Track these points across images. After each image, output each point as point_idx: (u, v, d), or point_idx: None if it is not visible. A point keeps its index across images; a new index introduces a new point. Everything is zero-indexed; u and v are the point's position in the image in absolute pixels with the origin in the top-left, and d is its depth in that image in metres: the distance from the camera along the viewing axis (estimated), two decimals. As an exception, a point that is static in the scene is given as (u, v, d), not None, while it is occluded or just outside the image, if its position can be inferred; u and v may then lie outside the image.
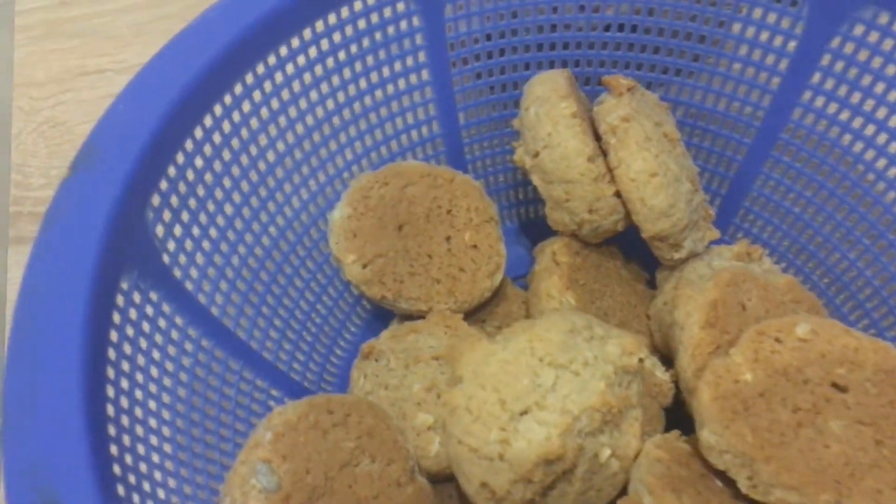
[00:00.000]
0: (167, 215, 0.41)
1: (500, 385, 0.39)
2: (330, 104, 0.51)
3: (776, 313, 0.47)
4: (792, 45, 0.50)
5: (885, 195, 0.51)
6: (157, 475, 0.37)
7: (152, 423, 0.38)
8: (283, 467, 0.40)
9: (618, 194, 0.49)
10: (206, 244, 0.45)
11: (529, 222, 0.65)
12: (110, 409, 0.34)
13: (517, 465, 0.38)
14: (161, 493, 0.36)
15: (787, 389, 0.40)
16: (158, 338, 0.40)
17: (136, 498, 0.34)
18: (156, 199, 0.40)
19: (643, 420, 0.43)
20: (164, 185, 0.40)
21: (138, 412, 0.37)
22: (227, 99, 0.44)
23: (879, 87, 0.49)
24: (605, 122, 0.50)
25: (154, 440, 0.38)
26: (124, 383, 0.36)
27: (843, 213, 0.53)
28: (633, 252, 0.58)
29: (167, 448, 0.39)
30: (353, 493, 0.41)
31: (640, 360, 0.42)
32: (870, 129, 0.50)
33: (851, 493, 0.36)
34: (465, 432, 0.39)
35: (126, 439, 0.35)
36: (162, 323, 0.41)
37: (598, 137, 0.51)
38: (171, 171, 0.41)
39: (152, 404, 0.38)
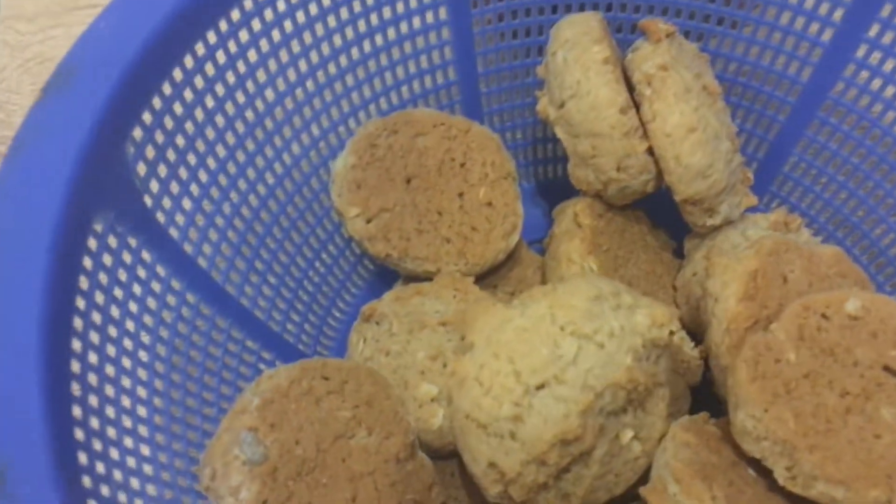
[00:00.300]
0: (150, 152, 0.37)
1: (515, 354, 0.35)
2: (337, 40, 0.46)
3: (820, 287, 0.43)
4: (849, -8, 0.45)
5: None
6: (128, 441, 0.33)
7: (125, 382, 0.34)
8: (270, 437, 0.36)
9: (650, 151, 0.45)
10: (194, 188, 0.40)
11: (548, 183, 0.60)
12: (75, 366, 0.30)
13: (530, 444, 0.34)
14: (131, 461, 0.32)
15: (835, 371, 0.36)
16: (137, 288, 0.36)
17: (100, 466, 0.30)
18: (137, 133, 0.36)
19: (669, 399, 0.39)
20: (147, 117, 0.36)
21: (109, 370, 0.33)
22: (223, 25, 0.39)
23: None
24: (640, 71, 0.45)
25: (126, 401, 0.34)
26: (94, 337, 0.32)
27: (893, 182, 0.49)
28: (659, 217, 0.53)
29: (141, 411, 0.35)
30: (347, 468, 0.37)
31: (671, 333, 0.38)
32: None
33: (906, 490, 0.32)
34: (474, 406, 0.35)
35: (93, 399, 0.31)
36: (141, 272, 0.36)
37: (630, 89, 0.46)
38: (156, 102, 0.36)
39: (126, 362, 0.34)
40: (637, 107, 0.45)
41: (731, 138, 0.47)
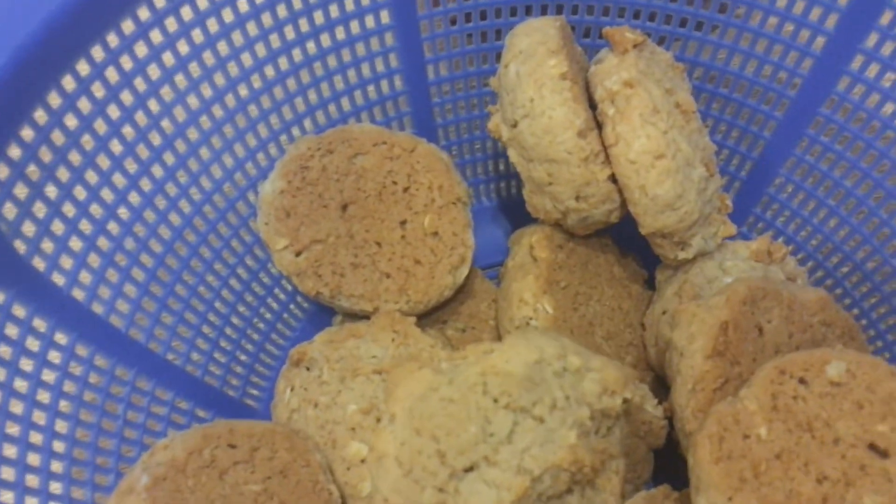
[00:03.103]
0: (21, 191, 0.32)
1: (440, 431, 0.30)
2: (261, 50, 0.41)
3: (801, 340, 0.38)
4: (845, -4, 0.40)
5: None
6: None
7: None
8: (159, 523, 0.31)
9: (613, 179, 0.40)
10: (85, 225, 0.35)
11: (511, 200, 0.55)
12: None
13: (456, 537, 0.29)
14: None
15: (812, 451, 0.31)
16: (5, 350, 0.31)
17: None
18: (1, 170, 0.30)
19: (625, 470, 0.34)
20: (14, 151, 0.31)
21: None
22: (112, 39, 0.34)
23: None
24: (603, 87, 0.40)
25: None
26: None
27: (890, 209, 0.43)
28: (630, 243, 0.48)
29: (7, 496, 0.30)
30: (253, 553, 0.33)
31: (626, 401, 0.33)
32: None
33: None
34: (392, 490, 0.31)
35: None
36: (11, 330, 0.32)
37: (593, 106, 0.41)
38: (27, 132, 0.31)
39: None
40: (600, 128, 0.40)
41: (705, 163, 0.41)
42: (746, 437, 0.32)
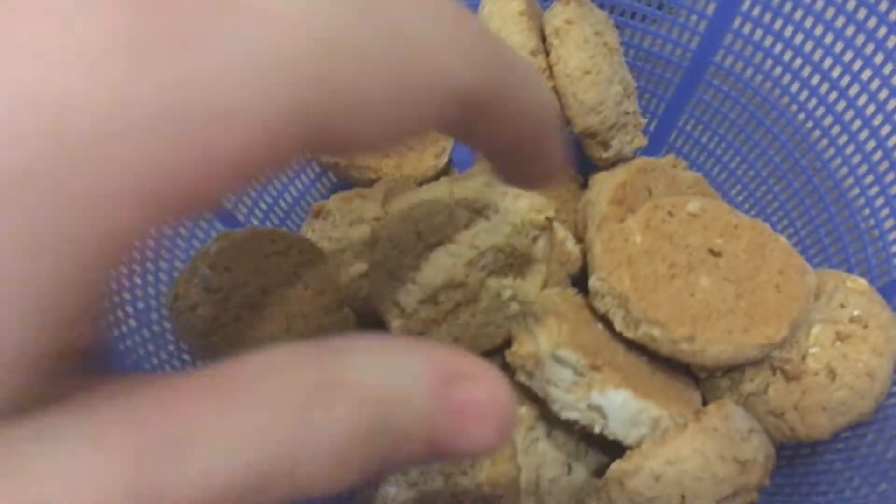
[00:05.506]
0: None
1: (419, 219, 0.45)
2: None
3: (679, 201, 0.53)
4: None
5: (788, 129, 0.56)
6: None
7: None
8: (224, 274, 0.46)
9: (555, 90, 0.55)
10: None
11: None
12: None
13: (425, 287, 0.44)
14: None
15: (669, 251, 0.46)
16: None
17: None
18: None
19: (547, 277, 0.49)
20: None
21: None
22: None
23: (788, 30, 0.54)
24: (551, 25, 0.55)
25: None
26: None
27: (768, 139, 0.59)
28: (571, 159, 0.63)
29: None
30: (285, 308, 0.47)
31: (548, 219, 0.48)
32: (777, 71, 0.56)
33: (705, 330, 0.42)
34: (384, 257, 0.45)
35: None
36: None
37: (545, 41, 0.56)
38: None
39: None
40: (547, 54, 0.56)
41: (623, 84, 0.57)
42: (626, 240, 0.46)
